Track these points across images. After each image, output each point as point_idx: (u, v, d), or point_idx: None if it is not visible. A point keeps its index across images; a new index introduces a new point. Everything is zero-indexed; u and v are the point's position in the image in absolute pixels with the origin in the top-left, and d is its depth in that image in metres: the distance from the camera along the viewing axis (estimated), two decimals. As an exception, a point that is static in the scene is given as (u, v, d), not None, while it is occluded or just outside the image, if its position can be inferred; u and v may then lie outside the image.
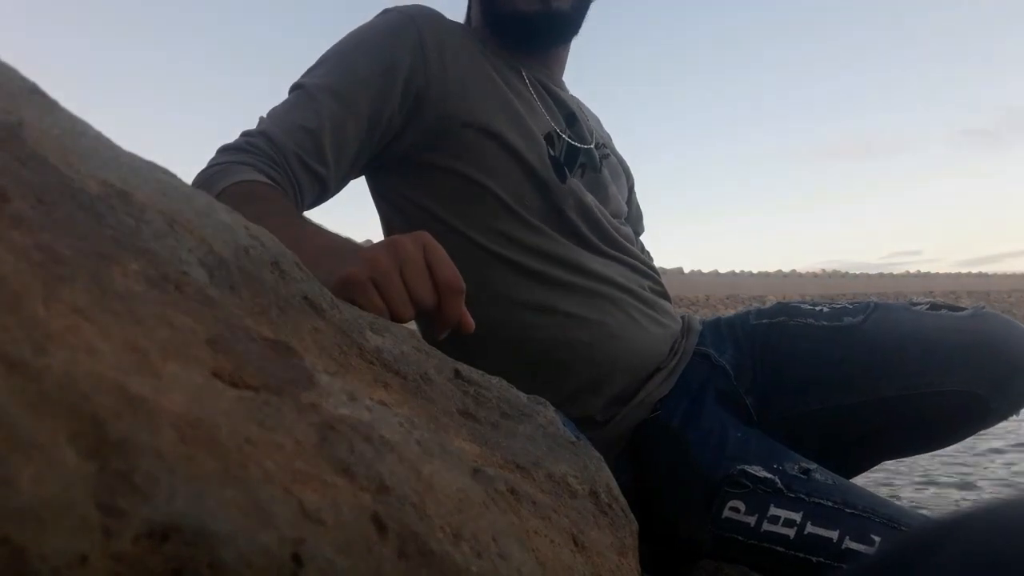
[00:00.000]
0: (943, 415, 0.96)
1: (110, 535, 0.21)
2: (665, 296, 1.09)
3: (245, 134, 0.87)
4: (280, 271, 0.47)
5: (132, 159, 0.45)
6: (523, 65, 1.02)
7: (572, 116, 1.04)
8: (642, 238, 1.33)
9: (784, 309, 1.10)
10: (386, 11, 0.97)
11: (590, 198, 0.99)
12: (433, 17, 0.97)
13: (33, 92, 0.42)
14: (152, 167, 0.46)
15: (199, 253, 0.40)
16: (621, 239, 1.03)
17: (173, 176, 0.47)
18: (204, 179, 0.80)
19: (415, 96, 0.91)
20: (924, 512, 1.28)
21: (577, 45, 1.07)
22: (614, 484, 0.59)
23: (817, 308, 1.07)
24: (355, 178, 0.97)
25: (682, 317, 1.10)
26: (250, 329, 0.37)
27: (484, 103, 0.93)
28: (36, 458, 0.21)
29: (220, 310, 0.37)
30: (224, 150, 0.85)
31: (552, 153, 0.97)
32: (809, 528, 0.82)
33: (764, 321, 1.09)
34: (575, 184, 0.97)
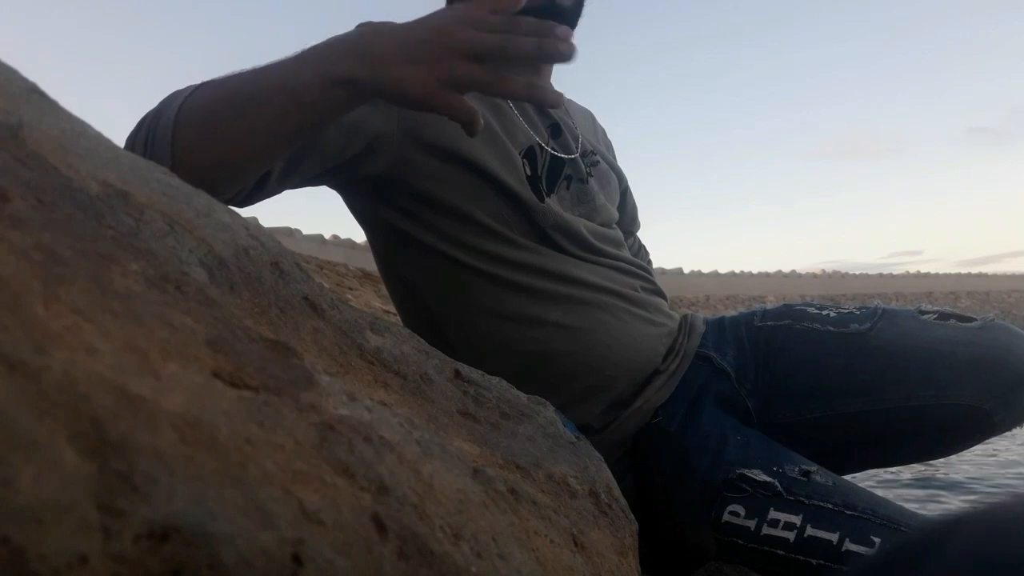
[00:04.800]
0: (946, 427, 0.96)
1: (110, 535, 0.21)
2: (659, 294, 1.08)
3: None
4: (280, 271, 0.47)
5: (132, 159, 0.45)
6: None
7: (556, 126, 1.03)
8: (640, 235, 1.32)
9: (789, 312, 1.09)
10: (362, 25, 0.96)
11: (569, 216, 0.98)
12: None
13: (33, 92, 0.42)
14: (152, 167, 0.46)
15: (199, 253, 0.40)
16: (607, 246, 1.02)
17: (173, 176, 0.47)
18: (159, 104, 0.75)
19: (384, 120, 0.87)
20: (925, 512, 1.28)
21: (576, 36, 1.04)
22: (614, 484, 0.59)
23: (824, 312, 1.07)
24: (310, 170, 0.88)
25: (685, 316, 1.09)
26: (250, 329, 0.37)
27: (458, 128, 0.92)
28: (36, 458, 0.21)
29: (220, 310, 0.37)
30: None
31: (529, 173, 0.96)
32: (809, 531, 0.82)
33: (769, 323, 1.08)
34: (554, 203, 0.96)
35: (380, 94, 0.67)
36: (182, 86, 0.78)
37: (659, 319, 1.02)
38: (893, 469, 1.83)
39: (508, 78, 0.64)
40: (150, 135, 0.72)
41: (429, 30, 0.65)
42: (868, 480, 1.75)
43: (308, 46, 0.80)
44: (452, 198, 0.92)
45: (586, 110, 1.22)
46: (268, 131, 0.71)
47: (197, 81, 0.81)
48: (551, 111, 1.04)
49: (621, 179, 1.19)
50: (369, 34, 0.68)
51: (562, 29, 0.64)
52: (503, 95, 0.65)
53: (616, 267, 1.01)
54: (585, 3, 0.99)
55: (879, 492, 0.92)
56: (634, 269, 1.04)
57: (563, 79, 1.08)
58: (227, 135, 0.71)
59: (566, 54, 0.64)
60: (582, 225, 0.99)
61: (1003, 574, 0.26)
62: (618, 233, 1.09)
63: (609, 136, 1.27)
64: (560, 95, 0.66)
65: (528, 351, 0.93)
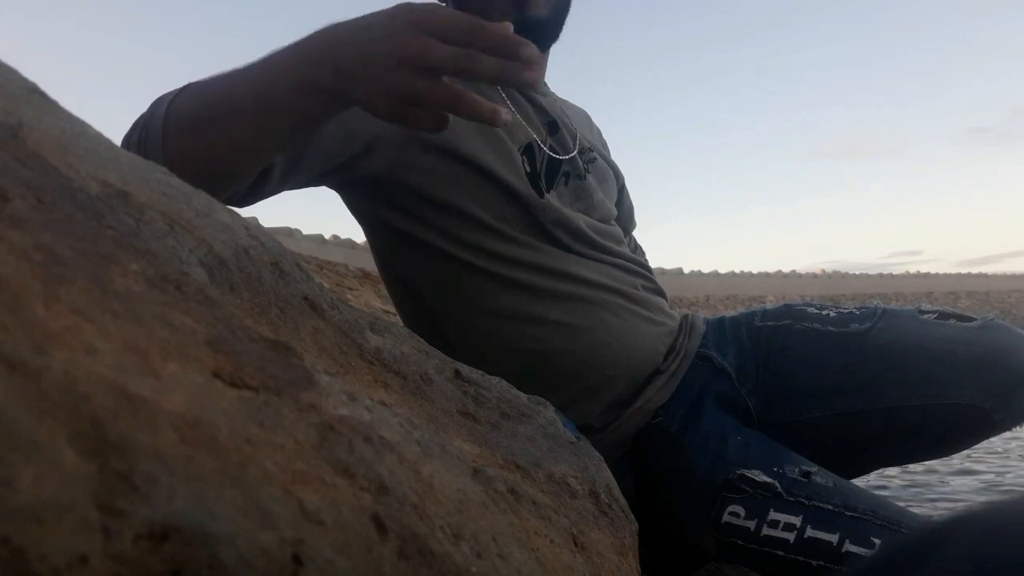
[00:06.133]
0: (946, 427, 0.96)
1: (110, 535, 0.21)
2: (659, 293, 1.08)
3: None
4: (280, 271, 0.47)
5: (132, 159, 0.45)
6: None
7: (554, 124, 1.03)
8: (640, 235, 1.32)
9: (790, 312, 1.09)
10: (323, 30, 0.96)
11: (569, 211, 0.98)
12: None
13: (33, 92, 0.42)
14: (152, 167, 0.46)
15: (199, 253, 0.40)
16: (607, 243, 1.02)
17: (173, 176, 0.47)
18: (145, 116, 0.74)
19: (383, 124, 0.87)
20: (925, 513, 1.28)
21: (572, 37, 1.04)
22: (614, 484, 0.59)
23: (824, 312, 1.07)
24: (309, 169, 0.88)
25: (685, 316, 1.09)
26: (250, 329, 0.37)
27: (457, 126, 0.87)
28: (36, 458, 0.21)
29: (220, 310, 0.37)
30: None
31: (528, 169, 0.96)
32: (809, 532, 0.82)
33: (769, 323, 1.08)
34: (553, 198, 0.97)
35: (356, 103, 0.65)
36: (181, 85, 0.78)
37: (659, 318, 1.02)
38: (893, 468, 1.83)
39: (470, 100, 0.58)
40: (142, 138, 0.73)
41: (383, 37, 0.60)
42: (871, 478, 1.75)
43: (280, 47, 0.79)
44: (452, 196, 0.92)
45: (582, 110, 1.23)
46: (251, 138, 0.71)
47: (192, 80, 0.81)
48: (548, 110, 1.04)
49: (619, 176, 1.19)
50: (331, 38, 0.65)
51: (529, 51, 0.57)
52: (466, 116, 0.60)
53: (616, 264, 1.01)
54: (567, 13, 0.99)
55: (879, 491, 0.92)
56: (634, 267, 1.04)
57: (561, 79, 1.07)
58: (212, 142, 0.71)
59: (529, 81, 0.58)
60: (582, 221, 0.99)
61: (1002, 574, 0.26)
62: (617, 230, 1.09)
63: (607, 135, 1.27)
64: (536, 78, 0.60)
65: (528, 350, 0.93)
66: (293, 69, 0.67)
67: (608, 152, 1.23)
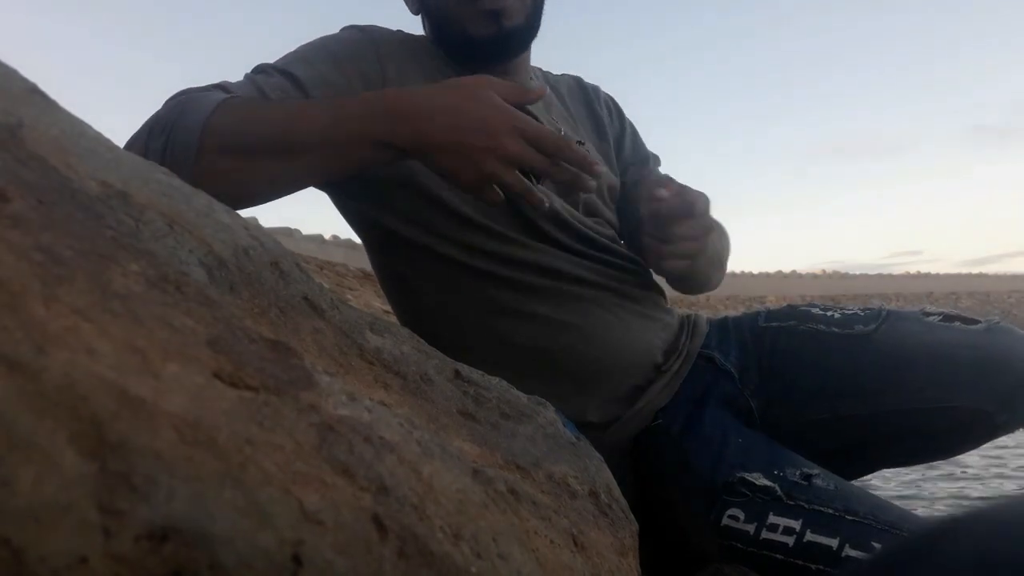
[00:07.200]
0: (949, 429, 0.96)
1: (110, 536, 0.21)
2: (655, 289, 1.08)
3: (193, 90, 0.83)
4: (280, 271, 0.47)
5: (132, 159, 0.45)
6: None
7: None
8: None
9: (794, 313, 1.09)
10: (347, 28, 0.99)
11: (559, 203, 0.98)
12: (392, 40, 0.98)
13: (33, 92, 0.42)
14: (152, 167, 0.46)
15: (199, 253, 0.40)
16: (599, 238, 1.02)
17: (173, 177, 0.47)
18: (175, 109, 0.76)
19: None
20: (928, 515, 1.28)
21: (575, 36, 1.04)
22: (614, 485, 0.59)
23: (828, 313, 1.07)
24: None
25: (688, 316, 1.09)
26: (250, 330, 0.37)
27: None
28: (36, 459, 0.21)
29: (220, 311, 0.37)
30: (181, 92, 0.81)
31: None
32: (808, 536, 0.82)
33: (773, 324, 1.08)
34: (542, 191, 0.97)
35: (429, 168, 0.77)
36: (211, 93, 0.79)
37: (654, 313, 1.02)
38: (894, 469, 1.83)
39: (535, 196, 0.75)
40: (168, 145, 0.73)
41: (479, 127, 0.72)
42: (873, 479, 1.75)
43: (340, 99, 0.83)
44: (441, 194, 0.93)
45: (571, 80, 1.20)
46: (301, 173, 0.78)
47: (192, 84, 0.82)
48: (530, 107, 1.03)
49: (626, 132, 1.19)
50: (412, 108, 0.74)
51: (598, 167, 0.76)
52: (522, 202, 0.77)
53: (609, 263, 1.01)
54: (543, 7, 0.99)
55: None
56: (626, 264, 1.04)
57: (566, 65, 1.07)
58: (256, 169, 0.76)
59: (591, 189, 0.80)
60: (570, 216, 0.99)
61: (1002, 574, 0.26)
62: (608, 229, 1.09)
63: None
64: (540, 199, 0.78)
65: (519, 344, 0.93)
66: (364, 123, 0.75)
67: (611, 108, 1.21)
